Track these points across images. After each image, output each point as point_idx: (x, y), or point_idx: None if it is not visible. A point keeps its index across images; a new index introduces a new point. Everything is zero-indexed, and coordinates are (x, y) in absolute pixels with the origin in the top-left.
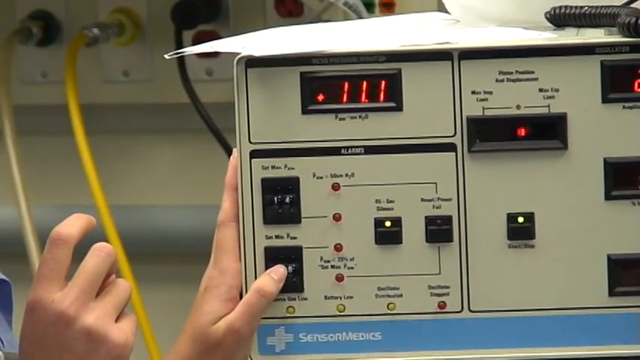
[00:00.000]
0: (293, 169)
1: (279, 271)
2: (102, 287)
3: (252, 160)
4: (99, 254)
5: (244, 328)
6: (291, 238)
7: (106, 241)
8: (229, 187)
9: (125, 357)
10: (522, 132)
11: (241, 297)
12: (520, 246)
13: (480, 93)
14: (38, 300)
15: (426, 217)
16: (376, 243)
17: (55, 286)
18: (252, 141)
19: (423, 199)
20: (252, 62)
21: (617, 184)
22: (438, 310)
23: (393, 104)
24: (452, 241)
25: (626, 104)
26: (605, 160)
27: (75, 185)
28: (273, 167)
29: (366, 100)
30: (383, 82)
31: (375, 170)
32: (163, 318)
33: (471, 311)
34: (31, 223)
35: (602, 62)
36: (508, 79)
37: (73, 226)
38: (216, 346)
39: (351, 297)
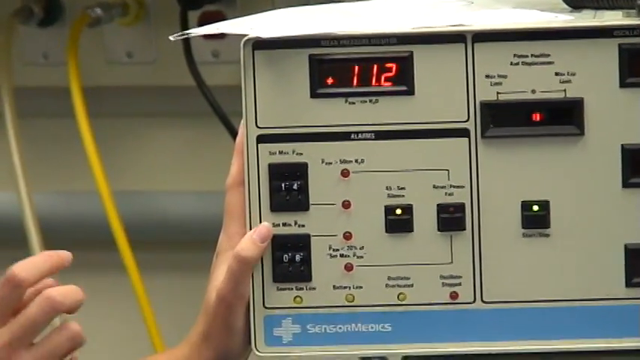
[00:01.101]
0: (301, 154)
1: (262, 231)
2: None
3: (259, 145)
4: (43, 306)
5: (230, 296)
6: (299, 225)
7: (108, 228)
8: (238, 150)
9: None
10: (537, 117)
11: None
12: (535, 235)
13: (494, 77)
14: None
15: (437, 205)
16: (386, 231)
17: None
18: (259, 125)
19: (435, 186)
20: (259, 44)
21: (634, 171)
22: (450, 301)
23: (404, 88)
24: (464, 229)
25: None
26: (622, 146)
27: (77, 170)
28: (280, 152)
29: (377, 84)
30: (394, 66)
31: (386, 156)
32: (167, 307)
33: (483, 302)
34: (31, 209)
35: (620, 45)
36: (523, 63)
37: (33, 269)
38: (215, 317)
39: (361, 287)
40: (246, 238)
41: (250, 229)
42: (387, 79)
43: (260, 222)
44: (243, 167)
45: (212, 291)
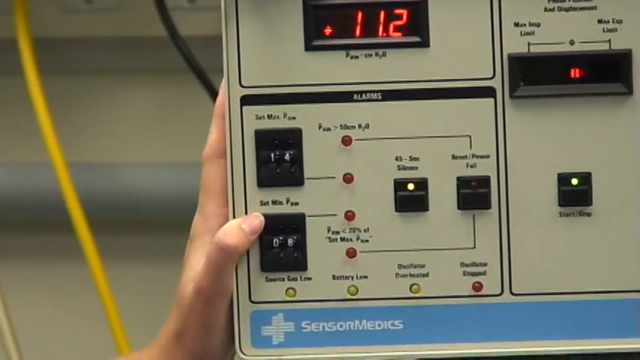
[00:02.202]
0: (294, 118)
1: (252, 222)
2: None
3: (244, 107)
4: None
5: (209, 289)
6: (292, 204)
7: (63, 206)
8: (218, 114)
9: None
10: (577, 73)
11: None
12: (574, 214)
13: (525, 25)
14: None
15: (457, 179)
16: (396, 210)
17: None
18: (243, 84)
19: (454, 157)
20: None
21: None
22: (473, 293)
23: (417, 39)
24: (489, 207)
25: None
26: None
27: (25, 138)
28: (269, 117)
29: (384, 34)
30: (405, 12)
31: (395, 120)
32: (133, 301)
33: (512, 294)
34: None
35: None
36: (559, 8)
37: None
38: (190, 313)
39: (366, 277)
40: (232, 224)
41: (233, 209)
42: (396, 28)
43: (245, 200)
44: (225, 134)
45: (187, 282)
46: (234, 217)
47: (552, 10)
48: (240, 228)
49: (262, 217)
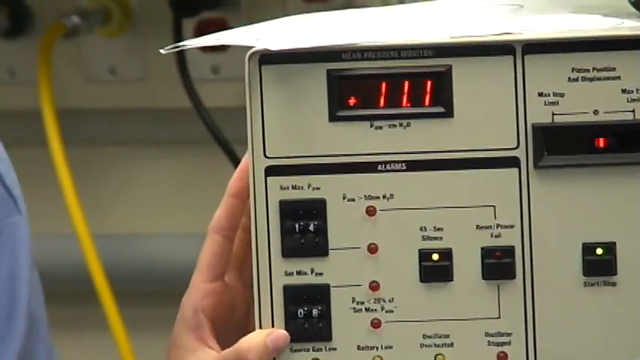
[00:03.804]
0: (318, 189)
1: (280, 337)
2: None
3: (268, 178)
4: None
5: None
6: (317, 274)
7: (88, 276)
8: (228, 192)
9: None
10: (601, 143)
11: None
12: (599, 283)
13: (549, 95)
14: None
15: (482, 249)
16: (421, 280)
17: None
18: (267, 155)
19: (478, 227)
20: (267, 58)
21: None
22: None
23: (441, 109)
24: (514, 277)
25: None
26: None
27: (50, 208)
28: (293, 187)
29: (409, 105)
30: (429, 82)
31: (420, 191)
32: None
33: None
34: None
35: None
36: (583, 78)
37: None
38: None
39: (391, 347)
40: (257, 338)
41: (258, 279)
42: (420, 99)
43: (270, 270)
44: (228, 212)
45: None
46: (258, 287)
47: (576, 80)
48: (265, 345)
49: (288, 336)
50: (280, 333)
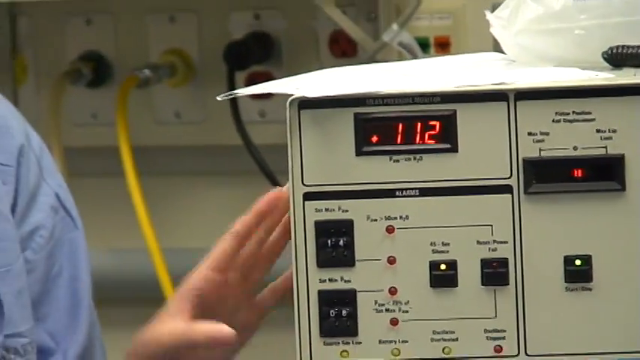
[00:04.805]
0: (347, 211)
1: (223, 332)
2: None
3: (306, 202)
4: None
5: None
6: (345, 281)
7: (158, 284)
8: (253, 209)
9: None
10: (579, 173)
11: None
12: (577, 289)
13: (537, 134)
14: None
15: (481, 260)
16: (431, 286)
17: None
18: (305, 183)
19: (478, 242)
20: (305, 103)
21: None
22: (495, 355)
23: (448, 145)
24: (508, 284)
25: None
26: None
27: (126, 228)
28: (326, 210)
29: (421, 142)
30: (438, 124)
31: (430, 212)
32: None
33: (527, 355)
34: None
35: None
36: (565, 120)
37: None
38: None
39: (406, 341)
40: (208, 326)
41: (297, 286)
42: (430, 137)
43: (307, 278)
44: (248, 224)
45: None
46: (297, 292)
47: (559, 121)
48: (212, 333)
49: (234, 334)
50: (226, 330)
